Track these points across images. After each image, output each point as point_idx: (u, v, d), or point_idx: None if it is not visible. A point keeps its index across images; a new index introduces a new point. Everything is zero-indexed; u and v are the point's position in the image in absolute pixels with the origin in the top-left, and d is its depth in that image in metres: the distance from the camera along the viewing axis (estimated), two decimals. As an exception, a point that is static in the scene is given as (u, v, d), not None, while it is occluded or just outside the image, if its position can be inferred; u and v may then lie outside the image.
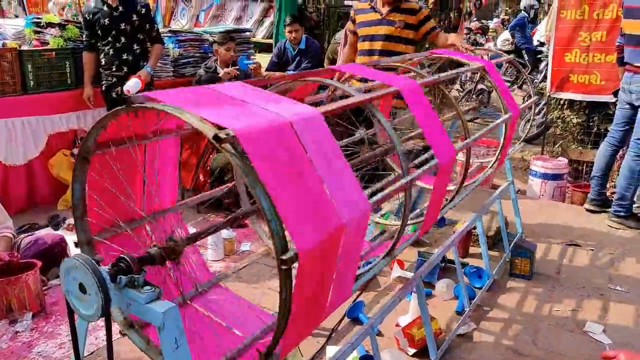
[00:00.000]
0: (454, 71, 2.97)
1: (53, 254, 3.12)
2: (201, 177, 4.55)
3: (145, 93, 1.34)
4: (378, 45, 3.69)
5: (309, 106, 1.50)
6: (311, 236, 1.26)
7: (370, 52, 3.71)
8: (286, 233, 1.22)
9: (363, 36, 3.77)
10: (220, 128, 1.23)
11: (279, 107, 1.42)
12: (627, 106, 4.09)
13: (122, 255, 1.37)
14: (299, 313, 1.29)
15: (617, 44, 4.18)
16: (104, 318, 1.32)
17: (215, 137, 1.17)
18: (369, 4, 3.75)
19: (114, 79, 4.22)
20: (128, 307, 1.36)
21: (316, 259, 1.30)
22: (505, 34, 11.09)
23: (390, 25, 3.66)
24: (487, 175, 2.99)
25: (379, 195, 1.66)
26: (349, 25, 3.93)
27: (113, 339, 1.36)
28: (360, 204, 1.46)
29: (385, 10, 3.67)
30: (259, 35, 6.70)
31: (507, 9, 21.01)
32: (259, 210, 2.04)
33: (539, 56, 9.13)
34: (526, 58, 9.49)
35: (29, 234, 3.38)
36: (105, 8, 4.12)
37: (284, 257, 1.20)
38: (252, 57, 5.82)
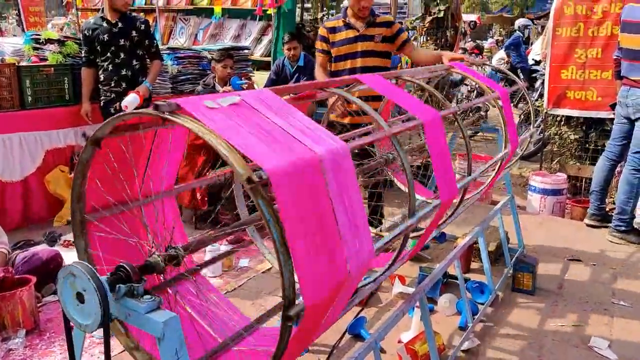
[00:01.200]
0: (476, 100, 2.97)
1: (48, 270, 3.07)
2: (198, 195, 4.52)
3: (176, 100, 1.32)
4: (358, 62, 3.58)
5: (337, 139, 1.47)
6: (320, 291, 1.27)
7: (352, 71, 3.56)
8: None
9: (341, 55, 3.62)
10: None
11: (311, 137, 1.40)
12: (625, 120, 4.10)
13: (121, 264, 1.34)
14: (300, 249, 1.24)
15: (615, 57, 4.21)
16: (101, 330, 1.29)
17: (249, 179, 1.15)
18: (342, 21, 3.61)
19: (113, 95, 4.21)
20: (127, 317, 1.32)
21: (319, 311, 1.31)
22: (501, 53, 11.21)
23: (369, 40, 3.57)
24: (504, 160, 2.94)
25: (382, 243, 1.67)
26: (321, 45, 3.69)
27: (112, 355, 1.32)
28: (367, 254, 1.47)
29: (361, 25, 3.57)
30: (257, 53, 6.74)
31: (501, 30, 21.32)
32: (257, 220, 2.02)
33: (534, 75, 9.21)
34: (521, 77, 9.57)
35: (24, 249, 3.33)
36: (104, 24, 4.13)
37: (290, 313, 1.21)
38: (251, 74, 5.85)
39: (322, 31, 3.71)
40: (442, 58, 3.47)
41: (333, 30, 3.64)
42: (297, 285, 1.22)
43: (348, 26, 3.61)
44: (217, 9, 6.65)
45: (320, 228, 1.30)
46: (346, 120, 3.50)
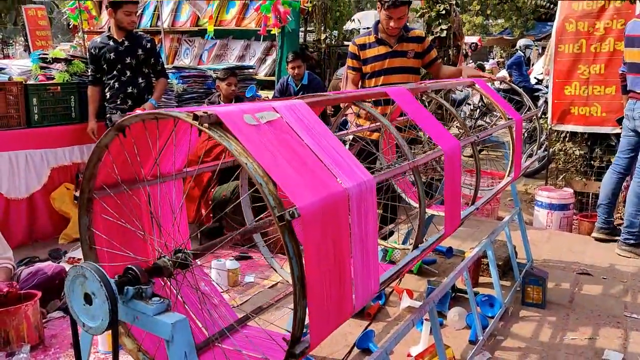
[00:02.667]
0: (495, 129, 2.96)
1: (53, 286, 3.04)
2: (203, 211, 4.51)
3: (217, 111, 1.30)
4: (391, 79, 3.49)
5: (365, 171, 1.50)
6: (326, 329, 1.31)
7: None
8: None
9: (374, 72, 3.54)
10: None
11: (341, 167, 1.42)
12: (632, 133, 4.09)
13: (129, 266, 1.32)
14: (316, 288, 1.25)
15: (621, 72, 4.22)
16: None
17: (281, 217, 1.18)
18: (374, 37, 3.54)
19: (119, 112, 4.23)
20: (135, 320, 1.30)
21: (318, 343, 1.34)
22: (503, 73, 11.27)
23: (402, 56, 3.52)
24: (503, 186, 2.93)
25: (387, 276, 1.69)
26: (352, 62, 3.64)
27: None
28: (372, 286, 1.51)
29: (393, 41, 3.52)
30: (262, 73, 6.80)
31: (502, 52, 21.50)
32: (262, 228, 2.00)
33: (536, 94, 9.25)
34: (525, 99, 9.58)
35: (29, 265, 3.31)
36: (111, 42, 4.18)
37: (295, 351, 1.24)
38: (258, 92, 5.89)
39: (352, 48, 3.63)
40: (462, 72, 3.46)
41: (363, 46, 3.57)
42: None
43: (380, 42, 3.54)
44: (210, 28, 6.76)
45: (337, 264, 1.33)
46: (373, 137, 3.48)
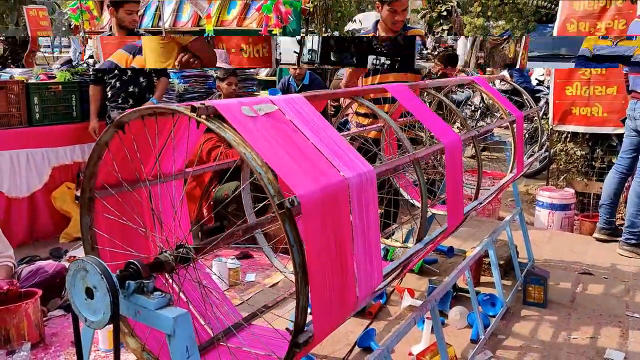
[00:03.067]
0: (495, 124, 2.96)
1: (54, 284, 3.04)
2: (205, 211, 4.50)
3: (215, 103, 1.30)
4: (390, 77, 3.54)
5: (365, 161, 1.50)
6: (330, 320, 1.31)
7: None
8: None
9: (370, 70, 3.60)
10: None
11: (341, 158, 1.42)
12: (634, 133, 4.09)
13: (131, 261, 1.32)
14: (317, 277, 1.24)
15: (625, 72, 4.22)
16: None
17: (280, 205, 1.17)
18: (372, 35, 3.61)
19: (120, 112, 4.23)
20: (136, 314, 1.30)
21: (324, 336, 1.36)
22: (504, 73, 11.27)
23: None
24: (506, 183, 2.93)
25: (390, 268, 1.67)
26: None
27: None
28: (376, 278, 1.50)
29: None
30: (263, 73, 6.80)
31: (503, 53, 21.55)
32: (264, 224, 2.00)
33: (537, 95, 9.24)
34: (525, 97, 9.58)
35: (30, 264, 3.30)
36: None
37: (299, 341, 1.23)
38: (256, 93, 5.88)
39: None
40: None
41: None
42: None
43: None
44: (209, 27, 6.76)
45: (339, 254, 1.33)
46: (371, 135, 3.48)
